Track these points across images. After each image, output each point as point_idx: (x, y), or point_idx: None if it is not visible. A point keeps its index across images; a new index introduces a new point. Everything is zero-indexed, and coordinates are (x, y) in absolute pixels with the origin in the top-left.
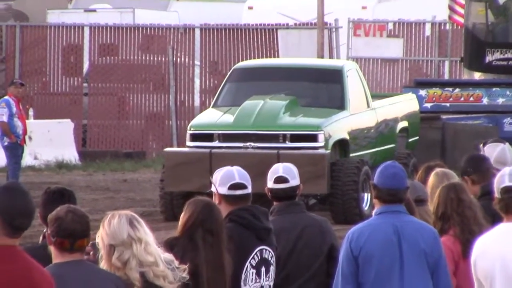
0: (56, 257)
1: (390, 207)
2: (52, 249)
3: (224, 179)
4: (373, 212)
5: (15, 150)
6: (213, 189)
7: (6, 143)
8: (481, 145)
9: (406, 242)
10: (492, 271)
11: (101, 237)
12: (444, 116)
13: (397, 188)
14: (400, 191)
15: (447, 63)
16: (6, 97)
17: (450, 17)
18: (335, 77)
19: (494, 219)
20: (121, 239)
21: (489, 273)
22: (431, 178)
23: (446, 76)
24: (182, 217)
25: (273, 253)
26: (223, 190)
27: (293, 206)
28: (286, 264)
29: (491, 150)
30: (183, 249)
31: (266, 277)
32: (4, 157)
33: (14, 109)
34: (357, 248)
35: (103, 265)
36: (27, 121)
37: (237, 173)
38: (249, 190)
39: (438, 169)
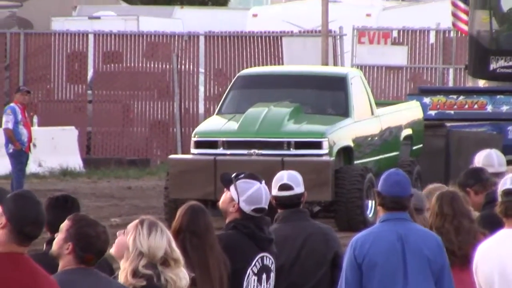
0: (69, 264)
1: (394, 215)
2: (67, 257)
3: (251, 199)
4: (377, 220)
5: (19, 157)
6: (233, 196)
7: (11, 150)
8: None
9: (409, 250)
10: (492, 276)
11: (134, 240)
12: (448, 124)
13: (400, 196)
14: (403, 199)
15: (451, 71)
16: (12, 104)
17: (454, 24)
18: (339, 84)
19: (498, 227)
20: (157, 255)
21: (489, 278)
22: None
23: (451, 84)
24: (172, 224)
25: (273, 260)
26: (246, 209)
27: (298, 214)
28: (290, 272)
29: (478, 157)
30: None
31: (267, 283)
32: (9, 164)
33: (20, 117)
34: (360, 256)
35: (123, 262)
36: (31, 128)
37: (265, 197)
38: (265, 207)
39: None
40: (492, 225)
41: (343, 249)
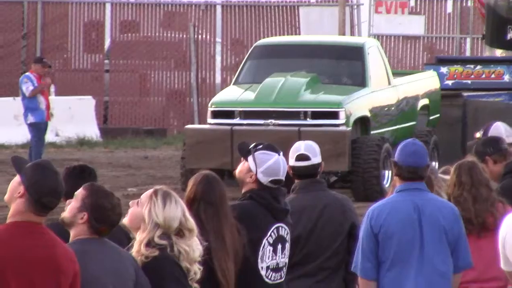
0: (82, 233)
1: (411, 185)
2: (81, 226)
3: (270, 171)
4: (392, 190)
5: (39, 125)
6: (251, 166)
7: (29, 121)
8: (477, 135)
9: (426, 220)
10: None
11: (149, 211)
12: (465, 94)
13: (417, 166)
14: (420, 169)
15: (468, 40)
16: (27, 73)
17: None
18: (356, 54)
19: None
20: (172, 225)
21: None
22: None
23: (468, 53)
24: (186, 193)
25: (288, 231)
26: (264, 180)
27: (315, 184)
28: (307, 242)
29: (497, 128)
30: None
31: (282, 254)
32: (27, 133)
33: (36, 85)
34: (377, 226)
35: (139, 233)
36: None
37: (282, 168)
38: (283, 178)
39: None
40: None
41: (360, 220)
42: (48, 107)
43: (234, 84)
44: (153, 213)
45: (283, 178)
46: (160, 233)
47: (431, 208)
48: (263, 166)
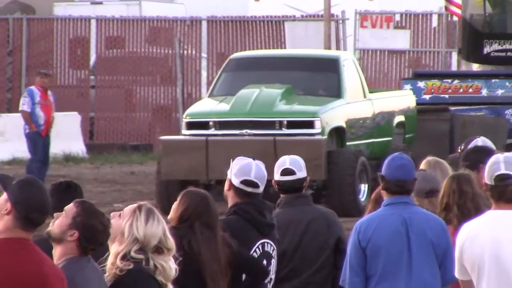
0: (71, 252)
1: (398, 198)
2: (70, 244)
3: (240, 171)
4: (373, 204)
5: (34, 140)
6: (228, 174)
7: (27, 131)
8: (460, 150)
9: (414, 233)
10: (481, 257)
11: (131, 225)
12: (452, 108)
13: (404, 180)
14: (407, 182)
15: (454, 54)
16: (31, 87)
17: (446, 8)
18: (331, 66)
19: None
20: (151, 242)
21: (477, 259)
22: (423, 166)
23: (454, 67)
24: (177, 209)
25: (274, 247)
26: (236, 182)
27: (300, 199)
28: (293, 257)
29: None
30: (187, 237)
31: (268, 270)
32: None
33: (38, 99)
34: (365, 240)
35: (116, 245)
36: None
37: (255, 169)
38: (260, 189)
39: (429, 158)
40: None
41: (346, 234)
42: (47, 122)
43: (209, 96)
44: (134, 227)
45: (257, 182)
46: (137, 248)
47: (418, 221)
48: (235, 168)
